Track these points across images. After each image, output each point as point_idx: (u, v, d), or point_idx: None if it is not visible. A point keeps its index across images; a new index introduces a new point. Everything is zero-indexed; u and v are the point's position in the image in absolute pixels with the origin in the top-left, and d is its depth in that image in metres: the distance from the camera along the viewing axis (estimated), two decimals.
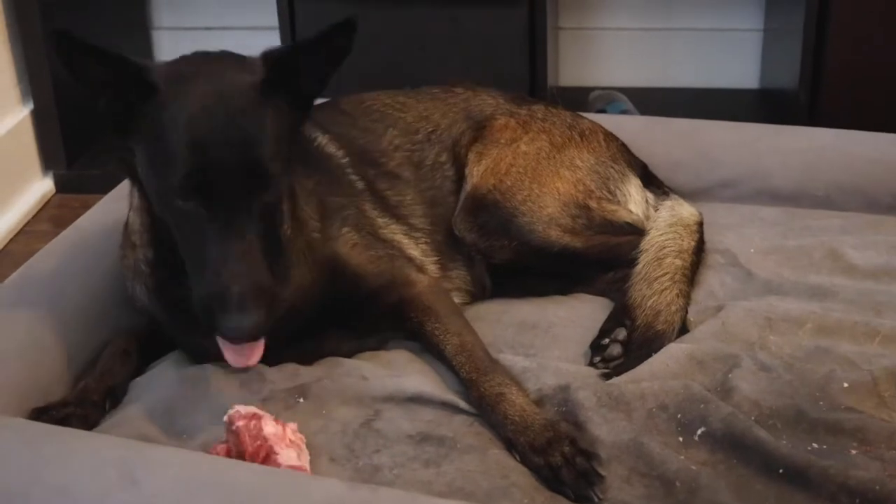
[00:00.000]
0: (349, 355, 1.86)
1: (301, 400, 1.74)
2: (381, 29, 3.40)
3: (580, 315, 2.00)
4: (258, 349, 1.64)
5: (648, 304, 1.92)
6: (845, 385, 1.72)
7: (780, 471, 1.56)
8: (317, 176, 1.90)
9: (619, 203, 2.12)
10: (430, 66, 3.31)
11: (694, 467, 1.58)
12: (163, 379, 1.81)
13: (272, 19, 3.44)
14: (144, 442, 1.60)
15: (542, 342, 1.93)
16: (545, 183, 2.07)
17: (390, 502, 1.43)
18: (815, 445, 1.62)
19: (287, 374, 1.76)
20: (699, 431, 1.64)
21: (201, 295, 1.57)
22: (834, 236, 2.18)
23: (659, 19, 3.84)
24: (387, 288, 1.86)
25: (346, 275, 1.84)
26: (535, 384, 1.75)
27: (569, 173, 2.10)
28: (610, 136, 2.23)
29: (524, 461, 1.63)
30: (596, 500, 1.56)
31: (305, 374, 1.78)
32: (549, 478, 1.60)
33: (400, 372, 1.81)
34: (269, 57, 1.65)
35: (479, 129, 2.16)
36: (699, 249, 2.07)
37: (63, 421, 1.68)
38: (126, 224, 1.85)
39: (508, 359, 1.82)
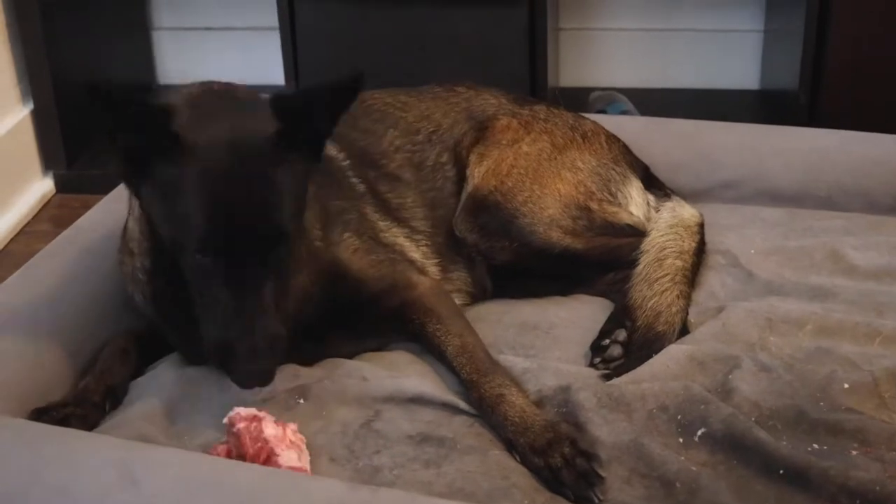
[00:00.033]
0: (350, 357, 1.86)
1: (301, 401, 1.74)
2: (381, 29, 3.40)
3: (581, 316, 2.00)
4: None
5: (649, 305, 1.92)
6: (846, 386, 1.72)
7: (781, 472, 1.56)
8: (318, 180, 1.89)
9: (620, 205, 2.12)
10: (431, 66, 3.31)
11: (694, 468, 1.58)
12: (163, 379, 1.81)
13: (272, 19, 3.45)
14: (144, 442, 1.60)
15: (542, 343, 1.93)
16: (546, 184, 2.07)
17: (390, 503, 1.43)
18: (815, 446, 1.62)
19: (287, 375, 1.76)
20: (699, 432, 1.64)
21: (212, 340, 1.60)
22: (835, 237, 2.18)
23: (659, 20, 3.84)
24: (388, 291, 1.86)
25: (347, 280, 1.84)
26: (536, 385, 1.75)
27: (570, 175, 2.10)
28: (612, 138, 2.23)
29: (524, 462, 1.63)
30: (596, 501, 1.56)
31: (306, 375, 1.78)
32: (550, 479, 1.60)
33: (400, 373, 1.81)
34: (279, 105, 1.63)
35: (481, 130, 2.16)
36: (700, 250, 2.07)
37: (63, 421, 1.67)
38: (125, 230, 1.85)
39: (509, 360, 1.82)
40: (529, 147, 2.11)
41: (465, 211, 2.06)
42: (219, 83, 1.73)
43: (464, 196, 2.08)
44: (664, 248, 2.01)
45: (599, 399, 1.70)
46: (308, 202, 1.81)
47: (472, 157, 2.12)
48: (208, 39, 3.97)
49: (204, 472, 1.47)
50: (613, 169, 2.15)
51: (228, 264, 1.57)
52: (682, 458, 1.61)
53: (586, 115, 2.34)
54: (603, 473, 1.59)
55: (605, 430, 1.65)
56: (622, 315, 1.94)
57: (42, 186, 3.35)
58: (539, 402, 1.72)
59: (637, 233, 2.07)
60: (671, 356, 1.81)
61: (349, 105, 1.65)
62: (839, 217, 2.30)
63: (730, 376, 1.75)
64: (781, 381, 1.74)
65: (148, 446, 1.56)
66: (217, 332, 1.59)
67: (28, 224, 3.21)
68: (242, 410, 1.60)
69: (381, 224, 1.98)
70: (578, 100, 3.47)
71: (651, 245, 2.01)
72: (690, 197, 2.28)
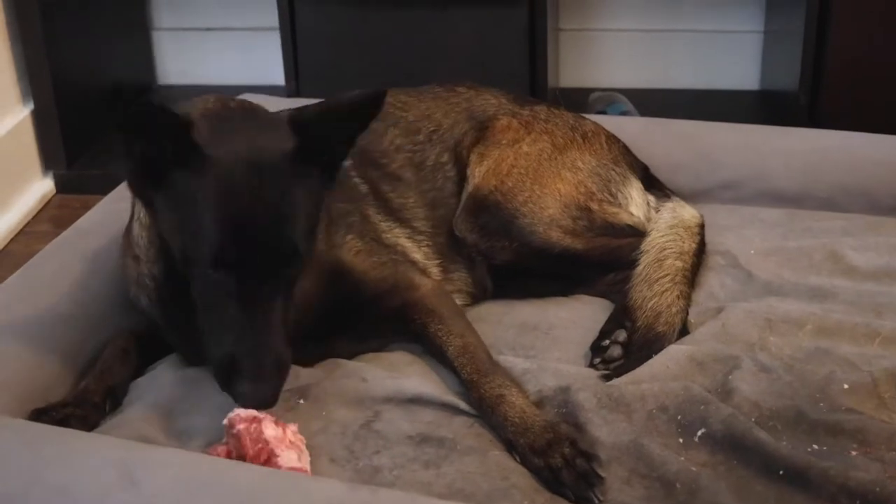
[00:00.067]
0: (351, 357, 1.86)
1: (301, 401, 1.74)
2: (381, 30, 3.41)
3: (581, 316, 2.00)
4: None
5: (649, 305, 1.92)
6: (845, 386, 1.72)
7: (781, 472, 1.56)
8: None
9: (620, 205, 2.12)
10: (430, 67, 3.31)
11: (694, 468, 1.58)
12: (163, 380, 1.81)
13: (272, 20, 3.45)
14: (144, 443, 1.60)
15: (542, 344, 1.93)
16: (546, 184, 2.07)
17: (390, 503, 1.43)
18: (815, 447, 1.62)
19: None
20: (699, 433, 1.64)
21: (218, 356, 1.58)
22: (835, 238, 2.18)
23: (659, 21, 3.85)
24: (390, 292, 1.86)
25: (349, 282, 1.84)
26: (536, 385, 1.75)
27: (570, 175, 2.10)
28: (612, 139, 2.23)
29: (524, 463, 1.63)
30: (596, 501, 1.56)
31: (305, 375, 1.78)
32: (550, 479, 1.60)
33: (400, 373, 1.81)
34: (298, 123, 1.62)
35: (482, 130, 2.16)
36: (700, 251, 2.07)
37: (63, 421, 1.67)
38: (128, 233, 1.83)
39: (509, 360, 1.82)
40: (530, 147, 2.11)
41: (465, 211, 2.06)
42: (234, 99, 1.74)
43: (464, 196, 2.08)
44: (664, 249, 2.01)
45: (599, 399, 1.70)
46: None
47: (473, 157, 2.12)
48: (208, 40, 3.97)
49: (204, 472, 1.47)
50: (613, 169, 2.15)
51: (240, 280, 1.55)
52: (682, 458, 1.61)
53: (586, 115, 2.34)
54: (603, 474, 1.59)
55: (604, 431, 1.66)
56: (622, 315, 1.94)
57: (42, 186, 3.35)
58: (539, 403, 1.72)
59: (637, 233, 2.07)
60: (671, 357, 1.81)
61: (369, 123, 1.65)
62: (839, 218, 2.30)
63: (730, 377, 1.75)
64: (781, 382, 1.74)
65: (148, 446, 1.56)
66: (223, 347, 1.57)
67: (28, 224, 3.21)
68: (242, 412, 1.60)
69: (384, 225, 1.98)
70: (578, 100, 3.47)
71: (651, 245, 2.01)
72: (690, 197, 2.28)
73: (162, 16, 3.97)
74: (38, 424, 1.64)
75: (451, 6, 3.37)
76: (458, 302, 1.99)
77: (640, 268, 1.98)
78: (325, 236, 1.83)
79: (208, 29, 3.97)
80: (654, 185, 2.23)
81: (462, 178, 2.11)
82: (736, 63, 3.82)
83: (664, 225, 2.07)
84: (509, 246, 2.02)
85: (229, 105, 1.69)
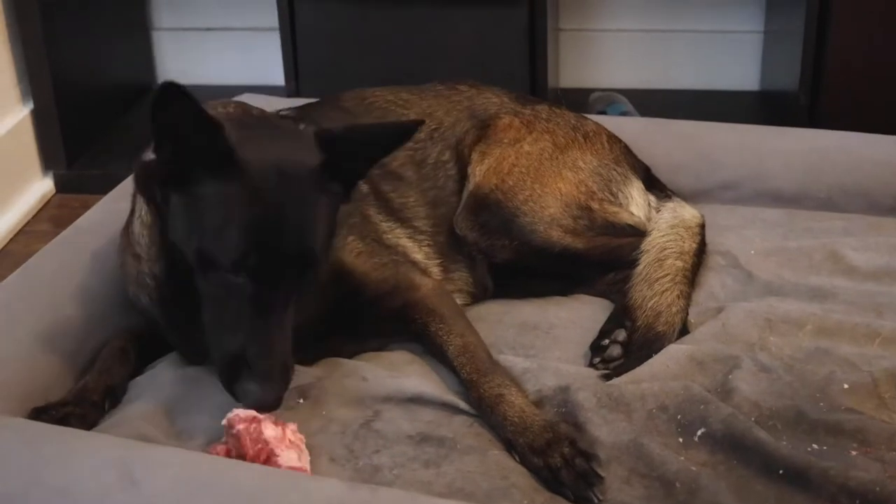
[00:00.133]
0: (351, 357, 1.86)
1: (301, 400, 1.74)
2: (381, 30, 3.41)
3: (581, 316, 2.00)
4: None
5: (649, 305, 1.92)
6: (845, 386, 1.72)
7: (781, 472, 1.56)
8: None
9: (620, 205, 2.12)
10: (430, 67, 3.31)
11: (694, 468, 1.58)
12: (162, 379, 1.81)
13: (272, 20, 3.45)
14: (144, 442, 1.60)
15: (542, 343, 1.93)
16: (547, 183, 2.07)
17: (390, 502, 1.43)
18: (815, 446, 1.62)
19: None
20: (699, 432, 1.64)
21: (224, 355, 1.59)
22: (835, 238, 2.18)
23: (659, 21, 3.84)
24: (391, 293, 1.86)
25: (351, 283, 1.85)
26: (535, 385, 1.75)
27: (571, 174, 2.10)
28: (613, 139, 2.23)
29: (524, 462, 1.63)
30: (595, 501, 1.56)
31: (305, 374, 1.78)
32: (549, 479, 1.60)
33: (400, 373, 1.81)
34: (325, 139, 1.65)
35: (483, 128, 2.16)
36: (700, 251, 2.07)
37: (62, 420, 1.67)
38: (128, 231, 1.83)
39: (509, 360, 1.82)
40: (531, 146, 2.11)
41: (466, 209, 2.06)
42: (254, 107, 1.78)
43: (465, 194, 2.08)
44: (665, 249, 2.01)
45: (599, 399, 1.70)
46: None
47: (474, 156, 2.12)
48: (208, 39, 3.97)
49: (204, 472, 1.47)
50: (615, 169, 2.15)
51: (258, 286, 1.57)
52: (682, 458, 1.61)
53: (587, 115, 2.34)
54: (602, 473, 1.59)
55: (604, 430, 1.65)
56: (622, 315, 1.94)
57: (42, 186, 3.35)
58: (539, 402, 1.72)
59: (638, 233, 2.07)
60: (671, 356, 1.81)
61: (394, 150, 1.71)
62: (839, 218, 2.30)
63: (730, 376, 1.75)
64: (781, 382, 1.74)
65: (148, 446, 1.56)
66: (230, 347, 1.58)
67: (28, 224, 3.21)
68: (241, 412, 1.60)
69: (384, 225, 1.98)
70: (578, 100, 3.47)
71: (651, 245, 2.01)
72: (690, 197, 2.28)
73: (162, 16, 3.97)
74: (38, 423, 1.64)
75: (451, 6, 3.37)
76: (459, 301, 1.99)
77: (640, 267, 1.98)
78: None
79: (208, 29, 3.97)
80: (654, 185, 2.23)
81: (463, 177, 2.11)
82: (736, 63, 3.82)
83: (665, 225, 2.07)
84: (510, 245, 2.02)
85: (251, 112, 1.74)
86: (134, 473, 1.43)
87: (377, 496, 1.43)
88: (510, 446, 1.65)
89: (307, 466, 1.59)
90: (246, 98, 2.65)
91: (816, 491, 1.53)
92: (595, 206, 2.08)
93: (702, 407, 1.66)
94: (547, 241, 2.02)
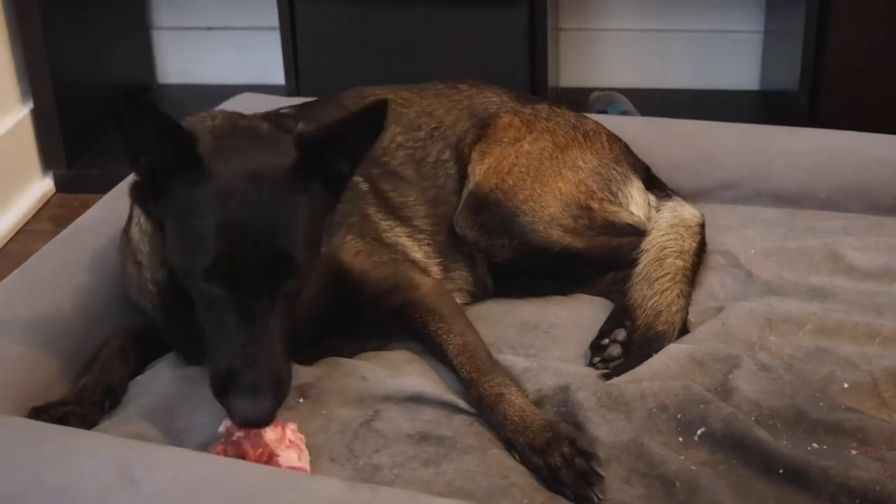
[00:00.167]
0: (351, 356, 1.86)
1: (301, 400, 1.74)
2: (381, 29, 3.41)
3: (580, 316, 2.00)
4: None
5: (649, 304, 1.92)
6: (845, 386, 1.72)
7: (781, 471, 1.56)
8: None
9: (620, 205, 2.12)
10: (430, 66, 3.30)
11: (694, 467, 1.58)
12: (162, 378, 1.81)
13: (272, 19, 3.45)
14: (144, 442, 1.60)
15: (542, 343, 1.93)
16: (547, 183, 2.07)
17: (390, 502, 1.43)
18: (815, 446, 1.62)
19: None
20: (699, 432, 1.64)
21: (215, 370, 1.56)
22: (835, 237, 2.18)
23: (659, 20, 3.85)
24: (391, 292, 1.86)
25: (350, 282, 1.84)
26: (535, 384, 1.75)
27: (571, 174, 2.10)
28: (613, 138, 2.23)
29: (523, 461, 1.63)
30: (595, 500, 1.56)
31: (305, 374, 1.78)
32: (549, 478, 1.60)
33: (400, 372, 1.81)
34: (301, 139, 1.61)
35: (483, 128, 2.16)
36: (700, 250, 2.07)
37: (62, 420, 1.67)
38: (128, 237, 1.83)
39: (508, 359, 1.82)
40: (531, 145, 2.11)
41: (466, 208, 2.06)
42: (244, 117, 1.75)
43: (465, 193, 2.08)
44: (665, 248, 2.01)
45: (599, 398, 1.70)
46: None
47: (474, 155, 2.12)
48: (208, 39, 3.97)
49: (204, 471, 1.47)
50: (614, 169, 2.15)
51: (235, 293, 1.54)
52: (682, 457, 1.61)
53: (587, 115, 2.34)
54: (602, 473, 1.59)
55: (604, 430, 1.65)
56: (622, 314, 1.94)
57: (42, 186, 3.35)
58: (538, 402, 1.72)
59: (638, 232, 2.07)
60: (671, 356, 1.81)
61: (374, 140, 1.63)
62: (839, 217, 2.30)
63: (729, 376, 1.75)
64: (781, 381, 1.74)
65: (148, 445, 1.56)
66: (220, 360, 1.55)
67: (28, 223, 3.21)
68: None
69: (384, 224, 1.98)
70: (578, 100, 3.47)
71: (651, 244, 2.01)
72: (690, 197, 2.28)
73: (162, 15, 3.97)
74: (38, 423, 1.64)
75: (451, 6, 3.37)
76: (459, 300, 1.99)
77: (640, 266, 1.98)
78: (325, 237, 1.83)
79: (208, 28, 3.97)
80: (655, 185, 2.23)
81: (463, 176, 2.11)
82: (736, 63, 3.82)
83: (665, 224, 2.07)
84: (510, 244, 2.02)
85: (237, 122, 1.71)
86: (134, 473, 1.43)
87: (377, 495, 1.43)
88: (510, 445, 1.65)
89: (307, 466, 1.59)
90: (246, 97, 2.66)
91: (816, 490, 1.53)
92: (595, 205, 2.08)
93: (702, 406, 1.66)
94: (547, 241, 2.02)
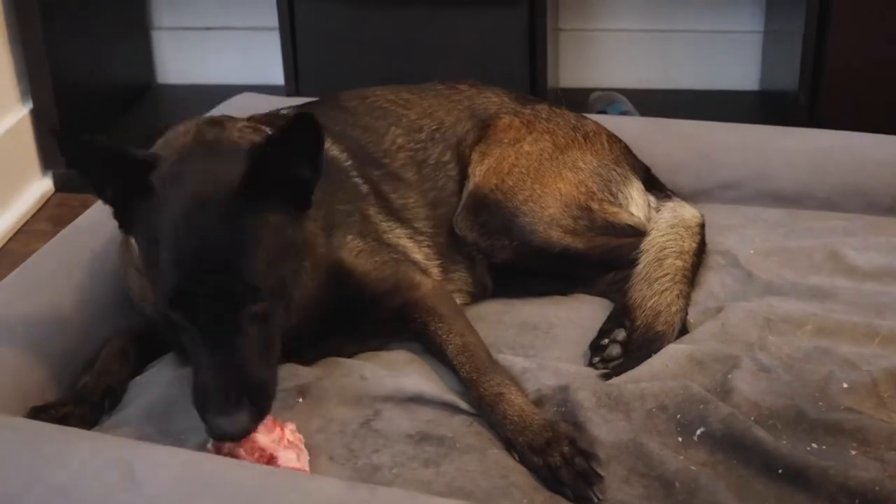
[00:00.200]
0: (351, 356, 1.86)
1: (300, 400, 1.74)
2: (380, 29, 3.41)
3: (580, 316, 2.00)
4: None
5: (648, 304, 1.92)
6: (845, 386, 1.72)
7: (780, 471, 1.56)
8: (322, 183, 1.88)
9: (620, 205, 2.12)
10: (430, 67, 3.30)
11: (693, 468, 1.58)
12: (162, 378, 1.81)
13: (272, 20, 3.45)
14: (144, 442, 1.60)
15: (542, 343, 1.93)
16: (547, 184, 2.06)
17: (389, 502, 1.44)
18: (814, 446, 1.62)
19: (286, 374, 1.76)
20: (698, 432, 1.64)
21: (194, 385, 1.55)
22: (835, 238, 2.18)
23: (659, 21, 3.84)
24: (391, 292, 1.86)
25: (351, 282, 1.84)
26: (535, 384, 1.75)
27: (571, 174, 2.10)
28: (613, 139, 2.23)
29: (523, 461, 1.63)
30: (595, 500, 1.56)
31: (304, 373, 1.78)
32: (549, 478, 1.60)
33: (399, 372, 1.81)
34: (252, 151, 1.55)
35: (483, 128, 2.16)
36: (700, 251, 2.07)
37: (62, 420, 1.67)
38: (128, 242, 1.81)
39: (508, 359, 1.82)
40: (531, 146, 2.11)
41: (465, 209, 2.06)
42: (220, 125, 1.70)
43: (465, 194, 2.08)
44: (664, 248, 2.01)
45: (598, 398, 1.70)
46: (314, 209, 1.80)
47: (474, 156, 2.12)
48: (208, 39, 3.97)
49: (204, 471, 1.47)
50: (614, 169, 2.15)
51: (199, 323, 1.52)
52: (682, 457, 1.61)
53: (587, 115, 2.34)
54: (602, 472, 1.59)
55: (604, 430, 1.65)
56: (621, 315, 1.94)
57: (41, 186, 3.35)
58: (538, 402, 1.72)
59: (637, 233, 2.07)
60: (670, 356, 1.81)
61: (316, 147, 1.56)
62: (839, 218, 2.30)
63: (729, 376, 1.75)
64: (780, 381, 1.74)
65: (148, 445, 1.56)
66: (197, 377, 1.54)
67: (27, 223, 3.21)
68: None
69: (384, 225, 1.98)
70: (578, 100, 3.47)
71: (651, 245, 2.01)
72: (690, 197, 2.28)
73: (162, 15, 3.97)
74: (38, 423, 1.64)
75: (451, 6, 3.37)
76: (458, 301, 1.99)
77: (639, 267, 1.98)
78: (324, 238, 1.83)
79: (208, 28, 3.97)
80: (655, 186, 2.23)
81: (463, 177, 2.11)
82: (736, 63, 3.82)
83: (664, 224, 2.07)
84: (509, 245, 2.02)
85: (205, 136, 1.66)
86: (134, 473, 1.43)
87: (377, 495, 1.43)
88: (510, 445, 1.65)
89: (306, 466, 1.59)
90: (245, 98, 2.67)
91: (816, 490, 1.53)
92: (595, 206, 2.08)
93: (701, 406, 1.66)
94: (547, 242, 2.02)
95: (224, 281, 1.51)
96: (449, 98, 2.20)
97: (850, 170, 2.38)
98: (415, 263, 1.96)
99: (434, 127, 2.14)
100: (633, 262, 1.99)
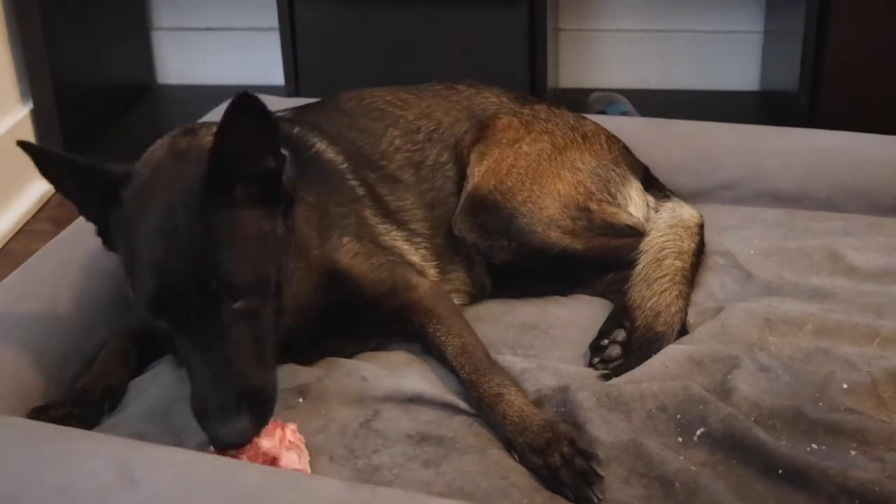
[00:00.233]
0: (350, 356, 1.86)
1: (300, 400, 1.74)
2: (381, 30, 3.41)
3: (580, 316, 2.00)
4: None
5: (648, 305, 1.92)
6: (845, 386, 1.72)
7: (780, 471, 1.56)
8: (317, 186, 1.89)
9: (619, 206, 2.12)
10: (430, 67, 3.31)
11: (693, 468, 1.58)
12: (162, 378, 1.81)
13: (272, 20, 3.45)
14: (144, 442, 1.60)
15: (541, 343, 1.93)
16: (546, 184, 2.06)
17: (389, 502, 1.44)
18: (814, 446, 1.62)
19: (286, 374, 1.76)
20: (698, 432, 1.64)
21: (191, 395, 1.55)
22: (835, 238, 2.18)
23: (659, 21, 3.85)
24: (389, 294, 1.86)
25: (348, 284, 1.84)
26: (535, 385, 1.75)
27: (570, 175, 2.10)
28: (612, 139, 2.23)
29: (523, 461, 1.63)
30: (595, 500, 1.56)
31: (305, 374, 1.78)
32: (548, 478, 1.60)
33: (399, 372, 1.81)
34: (211, 149, 1.55)
35: (482, 129, 2.16)
36: (699, 251, 2.07)
37: (62, 420, 1.67)
38: None
39: (508, 360, 1.82)
40: (530, 147, 2.11)
41: (464, 210, 2.06)
42: (186, 138, 1.69)
43: (463, 195, 2.08)
44: (663, 249, 2.01)
45: (598, 399, 1.70)
46: (307, 211, 1.81)
47: (473, 156, 2.12)
48: (208, 39, 3.97)
49: (204, 471, 1.47)
50: (613, 170, 2.15)
51: (181, 327, 1.53)
52: (681, 457, 1.61)
53: (587, 115, 2.34)
54: (601, 473, 1.59)
55: (603, 430, 1.66)
56: (621, 315, 1.94)
57: (41, 186, 3.34)
58: (538, 402, 1.72)
59: (636, 234, 2.07)
60: (670, 356, 1.81)
61: (272, 124, 1.56)
62: (839, 218, 2.30)
63: (729, 376, 1.75)
64: (780, 382, 1.74)
65: (148, 446, 1.56)
66: (193, 387, 1.54)
67: (27, 223, 3.21)
68: None
69: (381, 227, 1.97)
70: (578, 100, 3.47)
71: (650, 245, 2.01)
72: (690, 197, 2.28)
73: (162, 16, 3.97)
74: (38, 423, 1.64)
75: (451, 6, 3.37)
76: (457, 302, 1.98)
77: (639, 267, 1.98)
78: (319, 239, 1.83)
79: (208, 29, 3.97)
80: (653, 185, 2.23)
81: (462, 178, 2.11)
82: (736, 63, 3.82)
83: (663, 225, 2.07)
84: (508, 245, 2.02)
85: (176, 147, 1.67)
86: (134, 473, 1.43)
87: (377, 496, 1.43)
88: (509, 446, 1.65)
89: (307, 466, 1.59)
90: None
91: (816, 491, 1.53)
92: (594, 206, 2.08)
93: (701, 407, 1.66)
94: (546, 242, 2.02)
95: (200, 281, 1.51)
96: (447, 98, 2.20)
97: (849, 170, 2.38)
98: (412, 265, 1.96)
99: (432, 127, 2.14)
100: (632, 263, 1.99)
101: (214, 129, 1.57)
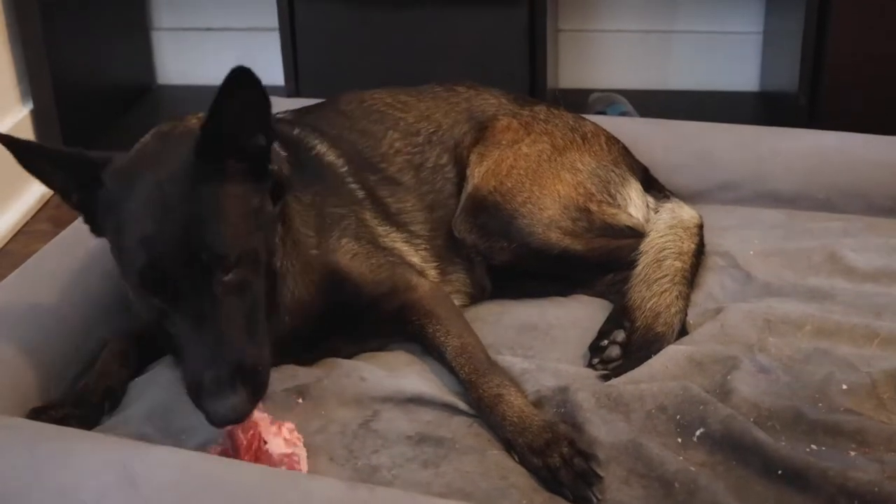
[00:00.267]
0: (349, 357, 1.86)
1: (300, 400, 1.74)
2: (381, 30, 3.41)
3: (579, 317, 2.00)
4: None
5: (648, 305, 1.92)
6: (844, 387, 1.72)
7: (779, 472, 1.56)
8: (315, 187, 1.89)
9: (619, 207, 2.12)
10: (430, 67, 3.31)
11: (693, 468, 1.58)
12: (162, 379, 1.81)
13: (272, 20, 3.45)
14: (144, 442, 1.60)
15: (541, 344, 1.93)
16: (546, 185, 2.07)
17: (389, 502, 1.44)
18: (813, 447, 1.62)
19: (285, 375, 1.76)
20: (698, 433, 1.65)
21: (185, 376, 1.55)
22: (834, 239, 2.18)
23: (659, 22, 3.85)
24: (388, 295, 1.86)
25: (347, 285, 1.84)
26: (534, 385, 1.75)
27: (570, 176, 2.10)
28: (611, 140, 2.23)
29: (523, 462, 1.63)
30: (594, 500, 1.56)
31: (304, 374, 1.78)
32: (548, 479, 1.60)
33: (399, 373, 1.81)
34: (201, 126, 1.58)
35: (482, 130, 2.16)
36: (699, 252, 2.07)
37: (62, 421, 1.67)
38: None
39: (507, 360, 1.82)
40: (529, 148, 2.11)
41: (464, 211, 2.06)
42: (171, 123, 1.73)
43: (463, 196, 2.08)
44: (663, 249, 2.01)
45: (598, 399, 1.70)
46: (304, 211, 1.81)
47: (472, 158, 2.12)
48: (208, 40, 3.97)
49: (203, 471, 1.47)
50: (613, 171, 2.15)
51: (172, 302, 1.53)
52: (681, 458, 1.61)
53: (586, 116, 2.34)
54: (601, 473, 1.59)
55: (603, 431, 1.66)
56: (621, 316, 1.94)
57: (41, 186, 3.31)
58: (538, 403, 1.72)
59: (636, 234, 2.07)
60: (670, 357, 1.81)
61: (263, 100, 1.59)
62: (838, 219, 2.30)
63: (728, 377, 1.75)
64: (780, 382, 1.74)
65: (147, 446, 1.56)
66: (186, 367, 1.54)
67: (27, 224, 3.21)
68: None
69: (380, 229, 1.97)
70: (578, 101, 3.47)
71: (650, 246, 2.02)
72: (689, 198, 2.28)
73: (162, 16, 3.97)
74: (38, 423, 1.64)
75: (451, 6, 3.37)
76: (457, 302, 1.99)
77: (638, 268, 1.98)
78: (316, 239, 1.83)
79: (208, 29, 3.97)
80: (653, 186, 2.23)
81: (461, 179, 2.11)
82: (735, 64, 3.82)
83: (663, 225, 2.07)
84: (508, 247, 2.02)
85: (159, 131, 1.71)
86: (134, 473, 1.43)
87: (376, 496, 1.43)
88: (509, 446, 1.65)
89: (304, 466, 1.59)
90: None
91: (815, 491, 1.53)
92: (593, 207, 2.08)
93: (700, 407, 1.67)
94: (546, 243, 2.02)
95: (190, 252, 1.52)
96: (447, 100, 2.20)
97: (848, 171, 2.38)
98: (412, 266, 1.96)
99: (431, 130, 2.14)
100: (631, 264, 1.99)
101: (200, 115, 1.59)
